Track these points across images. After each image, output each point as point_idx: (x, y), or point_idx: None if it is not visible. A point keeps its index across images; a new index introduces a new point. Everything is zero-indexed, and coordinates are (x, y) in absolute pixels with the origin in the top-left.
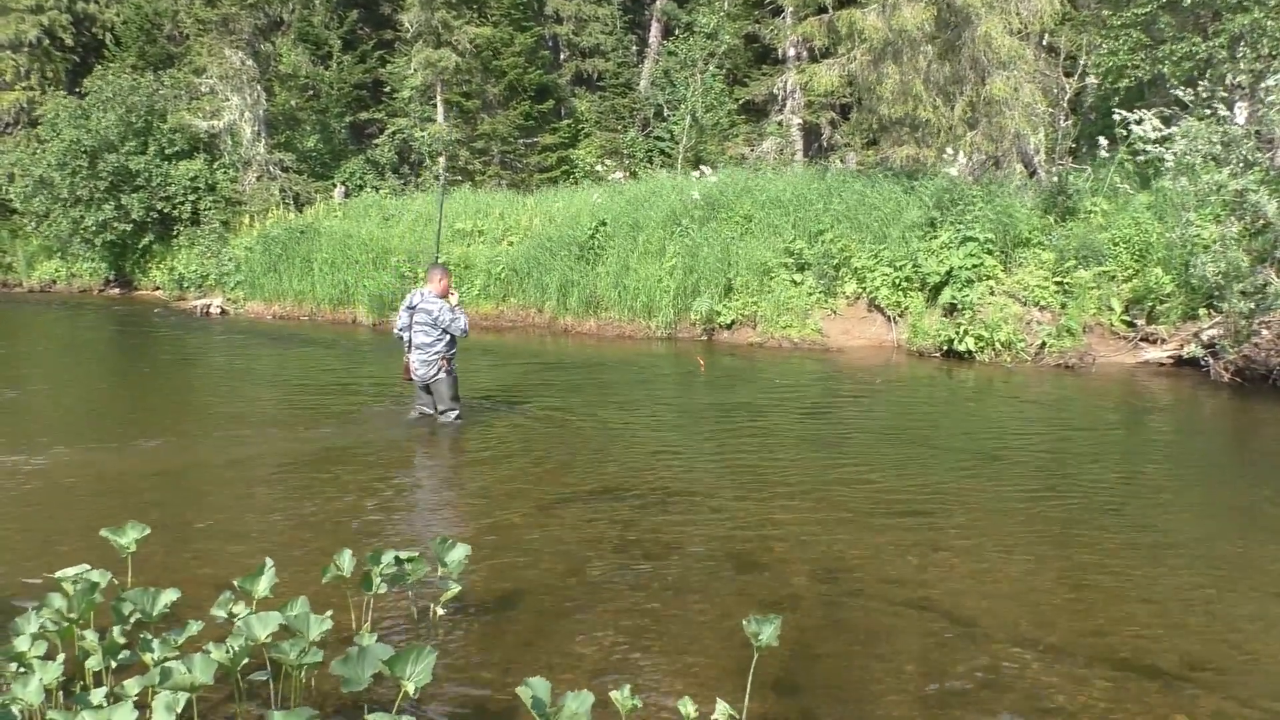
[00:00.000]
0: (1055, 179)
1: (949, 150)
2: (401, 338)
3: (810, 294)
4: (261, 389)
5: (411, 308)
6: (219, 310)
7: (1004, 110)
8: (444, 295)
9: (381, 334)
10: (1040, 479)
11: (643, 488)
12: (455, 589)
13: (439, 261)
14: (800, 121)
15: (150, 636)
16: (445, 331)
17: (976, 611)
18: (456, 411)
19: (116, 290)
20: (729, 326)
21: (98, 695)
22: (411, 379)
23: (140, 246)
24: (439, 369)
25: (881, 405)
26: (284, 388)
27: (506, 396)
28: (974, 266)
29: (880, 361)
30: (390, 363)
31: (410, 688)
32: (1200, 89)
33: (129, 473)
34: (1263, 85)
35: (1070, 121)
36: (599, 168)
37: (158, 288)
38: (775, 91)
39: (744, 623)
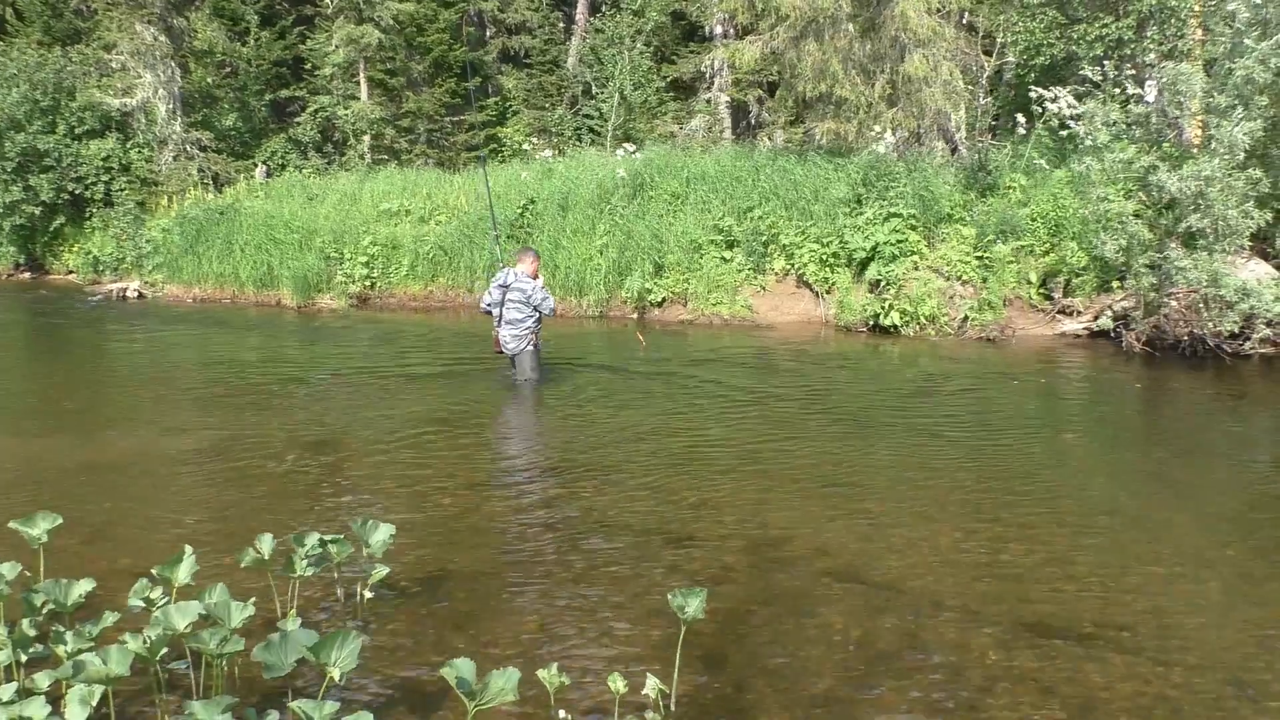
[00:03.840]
0: (976, 156)
1: (877, 128)
2: (490, 313)
3: (740, 271)
4: (182, 374)
5: (504, 286)
6: (136, 294)
7: (923, 88)
8: (534, 276)
9: (307, 315)
10: (963, 449)
11: (576, 465)
12: (383, 571)
13: (529, 246)
14: (728, 99)
15: (63, 629)
16: (536, 309)
17: (903, 580)
18: (536, 379)
19: (27, 275)
20: (660, 304)
21: (8, 690)
22: (501, 351)
23: (51, 229)
24: (529, 342)
25: (812, 380)
26: (206, 372)
27: (438, 377)
28: (898, 242)
29: (810, 337)
30: (316, 345)
31: (335, 673)
32: (1110, 67)
33: (46, 464)
34: (1161, 66)
35: (990, 99)
36: (527, 146)
37: (71, 271)
38: (703, 69)
39: (669, 596)
